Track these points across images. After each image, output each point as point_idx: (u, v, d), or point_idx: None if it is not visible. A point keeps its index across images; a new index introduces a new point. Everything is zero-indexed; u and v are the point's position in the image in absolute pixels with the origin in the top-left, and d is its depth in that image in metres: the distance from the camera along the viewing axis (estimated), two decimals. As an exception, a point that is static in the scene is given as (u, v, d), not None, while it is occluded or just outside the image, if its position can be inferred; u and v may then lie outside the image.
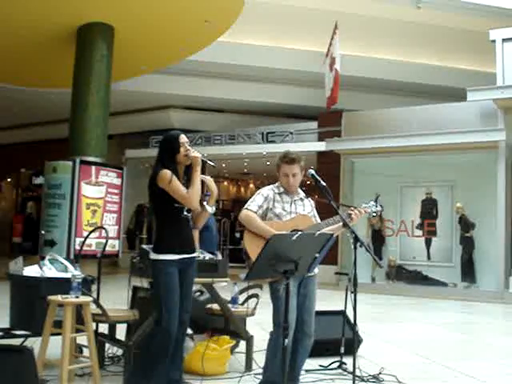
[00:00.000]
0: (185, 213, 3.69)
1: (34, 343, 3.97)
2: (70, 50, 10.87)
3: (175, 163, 3.70)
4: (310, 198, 4.00)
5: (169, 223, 3.69)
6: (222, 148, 15.54)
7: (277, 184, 3.92)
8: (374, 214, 4.06)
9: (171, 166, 3.65)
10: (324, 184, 3.72)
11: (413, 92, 15.57)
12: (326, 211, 4.05)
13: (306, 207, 3.91)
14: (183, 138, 3.73)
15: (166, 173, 3.58)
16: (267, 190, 3.87)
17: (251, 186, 23.09)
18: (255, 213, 3.73)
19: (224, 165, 17.07)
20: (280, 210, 3.79)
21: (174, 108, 16.68)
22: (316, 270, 3.81)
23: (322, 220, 3.87)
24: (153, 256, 3.67)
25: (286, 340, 3.03)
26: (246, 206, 3.79)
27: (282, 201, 3.84)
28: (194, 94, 15.64)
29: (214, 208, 4.00)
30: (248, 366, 4.71)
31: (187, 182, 3.70)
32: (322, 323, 5.37)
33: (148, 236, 17.04)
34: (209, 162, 3.86)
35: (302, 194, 3.96)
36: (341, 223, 3.75)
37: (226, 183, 21.65)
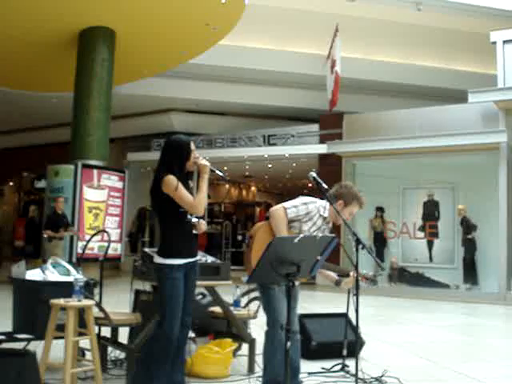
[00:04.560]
0: (188, 216, 3.68)
1: (36, 347, 3.98)
2: (71, 53, 10.90)
3: (183, 170, 3.68)
4: (330, 224, 3.96)
5: (174, 227, 3.67)
6: (223, 151, 15.54)
7: (326, 206, 3.84)
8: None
9: (178, 173, 3.61)
10: (325, 186, 3.73)
11: (414, 94, 15.59)
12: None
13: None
14: (193, 145, 3.72)
15: (172, 179, 3.54)
16: (314, 208, 3.79)
17: (253, 188, 23.10)
18: (287, 218, 3.69)
19: (226, 168, 17.07)
20: (306, 229, 3.76)
21: (175, 111, 16.71)
22: None
23: None
24: (158, 260, 3.65)
25: (289, 343, 3.03)
26: (286, 206, 3.71)
27: (315, 223, 3.81)
28: (196, 97, 15.67)
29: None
30: (250, 369, 4.72)
31: (186, 187, 3.69)
32: (324, 326, 5.40)
33: (150, 239, 17.05)
34: (217, 171, 3.81)
35: (331, 223, 3.94)
36: (335, 277, 3.88)
37: (227, 186, 21.66)
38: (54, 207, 9.80)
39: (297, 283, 3.79)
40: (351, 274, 3.82)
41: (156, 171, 3.70)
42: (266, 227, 3.70)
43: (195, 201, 3.60)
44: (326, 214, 3.83)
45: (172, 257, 3.62)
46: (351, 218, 3.86)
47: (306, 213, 3.75)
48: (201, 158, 3.71)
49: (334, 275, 3.92)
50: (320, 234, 3.80)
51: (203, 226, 3.75)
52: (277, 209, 3.71)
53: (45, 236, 9.50)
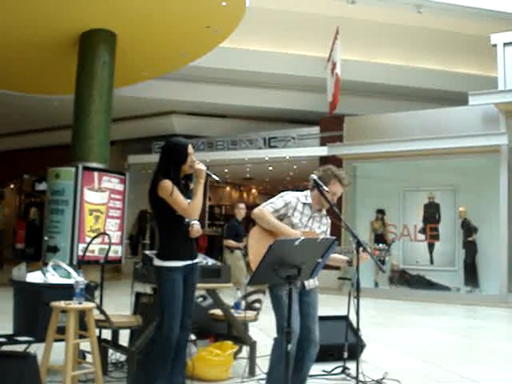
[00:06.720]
0: (186, 219, 3.68)
1: (37, 349, 3.97)
2: (72, 56, 10.91)
3: (179, 173, 3.68)
4: (327, 216, 3.90)
5: (171, 230, 3.68)
6: (224, 153, 15.56)
7: (305, 193, 3.82)
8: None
9: (174, 176, 3.62)
10: (326, 189, 3.73)
11: (414, 96, 15.58)
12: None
13: (322, 226, 3.83)
14: (190, 148, 3.71)
15: (168, 184, 3.55)
16: (291, 197, 3.75)
17: (253, 191, 23.11)
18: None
19: (226, 170, 17.09)
20: (297, 221, 3.71)
21: (176, 114, 16.70)
22: (317, 283, 3.78)
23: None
24: (157, 263, 3.66)
25: (290, 345, 3.03)
26: (262, 205, 3.69)
27: (303, 212, 3.75)
28: (197, 99, 15.66)
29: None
30: (251, 372, 4.71)
31: (184, 189, 3.68)
32: (325, 328, 5.37)
33: (151, 242, 17.05)
34: (213, 176, 3.79)
35: (324, 211, 3.87)
36: (345, 258, 3.81)
37: (228, 188, 21.67)
38: (235, 214, 9.22)
39: (311, 284, 3.72)
40: (360, 250, 3.70)
41: (153, 174, 3.71)
42: (257, 229, 3.65)
43: (190, 206, 3.61)
44: (308, 201, 3.78)
45: (170, 259, 3.63)
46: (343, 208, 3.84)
47: (285, 204, 3.70)
48: (197, 162, 3.70)
49: (342, 256, 3.82)
50: (322, 236, 3.79)
51: (196, 231, 3.73)
52: (257, 209, 3.67)
53: (226, 246, 8.85)
